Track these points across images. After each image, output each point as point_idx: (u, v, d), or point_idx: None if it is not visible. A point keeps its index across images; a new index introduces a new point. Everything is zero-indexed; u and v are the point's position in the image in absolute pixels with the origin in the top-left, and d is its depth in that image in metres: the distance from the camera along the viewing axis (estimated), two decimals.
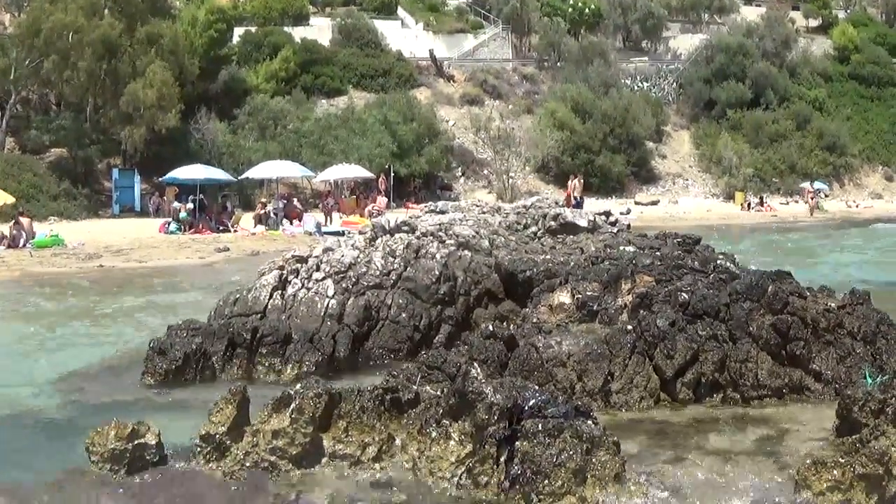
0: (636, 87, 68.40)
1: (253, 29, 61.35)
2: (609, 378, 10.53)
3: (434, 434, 8.22)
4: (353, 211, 44.78)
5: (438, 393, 8.61)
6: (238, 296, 14.53)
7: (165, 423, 9.82)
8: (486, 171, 58.62)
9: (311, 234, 36.15)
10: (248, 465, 8.43)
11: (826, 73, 76.44)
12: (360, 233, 17.28)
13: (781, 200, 63.28)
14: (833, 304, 11.50)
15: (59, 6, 45.03)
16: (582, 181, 44.20)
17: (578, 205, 33.98)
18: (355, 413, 8.48)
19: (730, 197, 62.22)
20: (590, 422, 8.11)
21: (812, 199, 58.39)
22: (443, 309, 14.30)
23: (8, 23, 53.36)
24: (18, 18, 49.96)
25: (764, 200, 60.85)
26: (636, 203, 57.60)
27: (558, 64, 69.99)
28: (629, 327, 11.09)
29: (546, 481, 7.54)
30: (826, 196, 62.55)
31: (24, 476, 8.93)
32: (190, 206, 38.98)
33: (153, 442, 9.00)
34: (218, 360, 13.21)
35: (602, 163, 59.08)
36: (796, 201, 63.01)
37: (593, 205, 39.59)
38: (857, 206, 62.96)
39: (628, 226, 19.55)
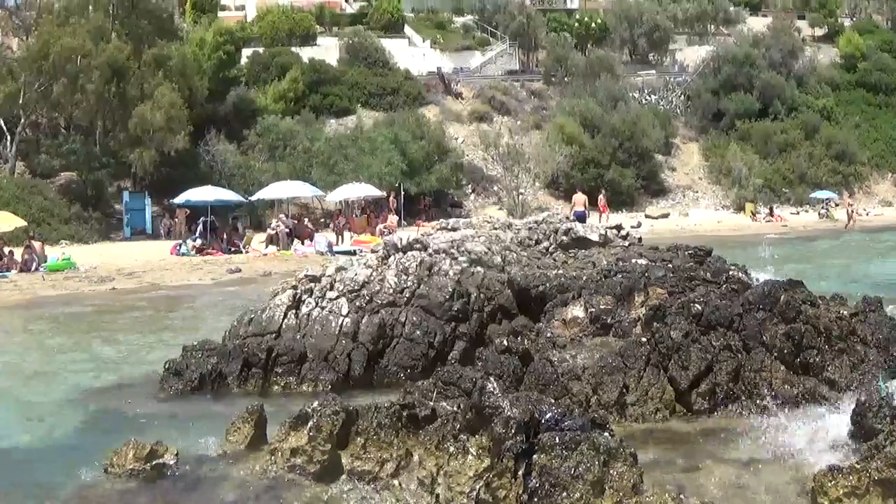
0: (644, 101, 68.30)
1: (261, 50, 61.63)
2: (624, 390, 10.57)
3: (452, 449, 8.25)
4: (365, 230, 44.79)
5: (455, 408, 8.64)
6: (252, 316, 14.57)
7: (183, 442, 9.89)
8: (496, 188, 58.56)
9: (322, 253, 36.17)
10: (266, 482, 8.47)
11: (833, 81, 76.33)
12: (373, 251, 17.32)
13: (792, 210, 63.14)
14: (845, 312, 11.54)
15: (66, 30, 45.24)
16: (586, 199, 43.71)
17: (581, 218, 33.83)
18: (373, 430, 8.52)
19: (740, 208, 62.04)
20: (606, 434, 8.15)
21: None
22: (457, 325, 14.32)
23: (16, 47, 53.57)
24: (27, 43, 50.19)
25: (774, 211, 60.73)
26: (647, 216, 57.48)
27: (566, 79, 69.97)
28: (643, 340, 11.13)
29: (564, 494, 7.58)
30: (837, 205, 62.31)
31: (42, 494, 8.98)
32: (197, 241, 38.77)
33: (171, 461, 9.06)
34: (233, 380, 13.27)
35: (612, 177, 58.89)
36: (806, 211, 62.88)
37: (604, 219, 39.60)
38: (867, 214, 62.76)
39: (639, 239, 19.54)
